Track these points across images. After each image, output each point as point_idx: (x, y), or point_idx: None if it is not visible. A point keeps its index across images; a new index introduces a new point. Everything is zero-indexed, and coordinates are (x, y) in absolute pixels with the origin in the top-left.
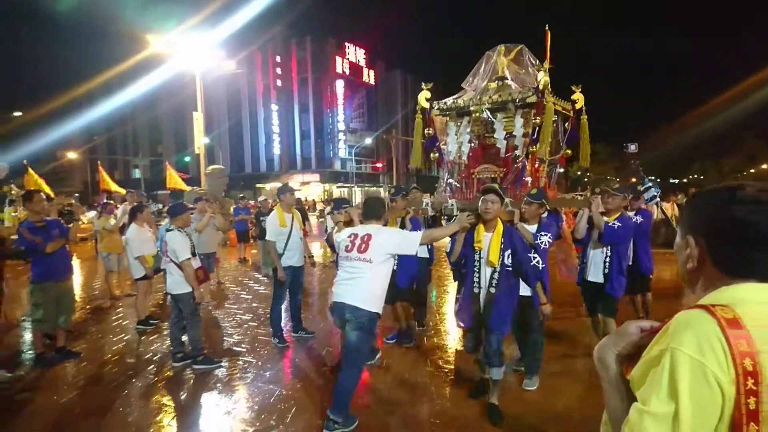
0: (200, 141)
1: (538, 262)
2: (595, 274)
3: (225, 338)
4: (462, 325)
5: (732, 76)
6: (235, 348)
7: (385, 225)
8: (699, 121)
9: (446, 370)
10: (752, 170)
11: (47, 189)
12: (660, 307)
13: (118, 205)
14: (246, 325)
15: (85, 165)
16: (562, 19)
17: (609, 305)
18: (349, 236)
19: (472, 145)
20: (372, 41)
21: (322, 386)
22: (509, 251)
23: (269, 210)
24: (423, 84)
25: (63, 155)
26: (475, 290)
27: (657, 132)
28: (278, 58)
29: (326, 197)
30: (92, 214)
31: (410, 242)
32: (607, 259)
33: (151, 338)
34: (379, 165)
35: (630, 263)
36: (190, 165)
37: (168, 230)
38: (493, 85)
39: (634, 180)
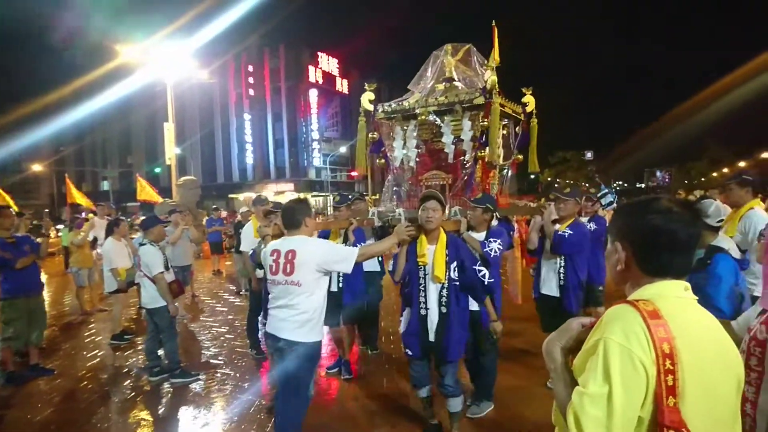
0: (171, 151)
1: (483, 275)
2: (549, 287)
3: (202, 351)
4: (409, 352)
5: (696, 85)
6: (212, 361)
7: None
8: (667, 127)
9: (399, 406)
10: (714, 174)
11: (12, 203)
12: None
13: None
14: (222, 338)
15: (52, 177)
16: (541, 24)
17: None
18: (272, 254)
19: (420, 150)
20: (346, 51)
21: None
22: (455, 264)
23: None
24: (366, 85)
25: (29, 167)
26: (422, 312)
27: (627, 140)
28: (251, 67)
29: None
30: (60, 227)
31: (343, 257)
32: (561, 271)
33: (126, 353)
34: (354, 173)
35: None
36: (162, 176)
37: (141, 244)
38: (441, 86)
39: (586, 185)
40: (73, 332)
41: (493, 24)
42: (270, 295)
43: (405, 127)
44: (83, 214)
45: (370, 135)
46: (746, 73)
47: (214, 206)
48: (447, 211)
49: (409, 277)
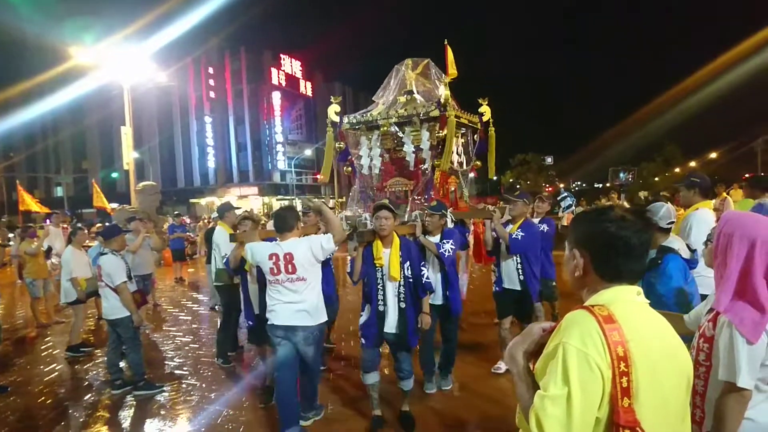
0: (129, 156)
1: (425, 276)
2: (511, 282)
3: (166, 362)
4: (364, 342)
5: (653, 88)
6: (177, 371)
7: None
8: (624, 130)
9: (351, 397)
10: (667, 174)
11: None
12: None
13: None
14: (187, 348)
15: (1, 183)
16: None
17: (528, 312)
18: (270, 257)
19: (383, 158)
20: (309, 53)
21: (270, 405)
22: (408, 264)
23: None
24: (332, 98)
25: None
26: (380, 308)
27: (586, 141)
28: (211, 69)
29: (266, 210)
30: (11, 236)
31: (326, 241)
32: (519, 267)
33: (85, 366)
34: (319, 176)
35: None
36: (119, 181)
37: (102, 254)
38: (402, 98)
39: (547, 186)
40: (27, 346)
41: (446, 42)
42: (273, 294)
43: (369, 137)
44: (47, 221)
45: (336, 144)
46: (701, 77)
47: (176, 212)
48: (407, 216)
49: (367, 278)
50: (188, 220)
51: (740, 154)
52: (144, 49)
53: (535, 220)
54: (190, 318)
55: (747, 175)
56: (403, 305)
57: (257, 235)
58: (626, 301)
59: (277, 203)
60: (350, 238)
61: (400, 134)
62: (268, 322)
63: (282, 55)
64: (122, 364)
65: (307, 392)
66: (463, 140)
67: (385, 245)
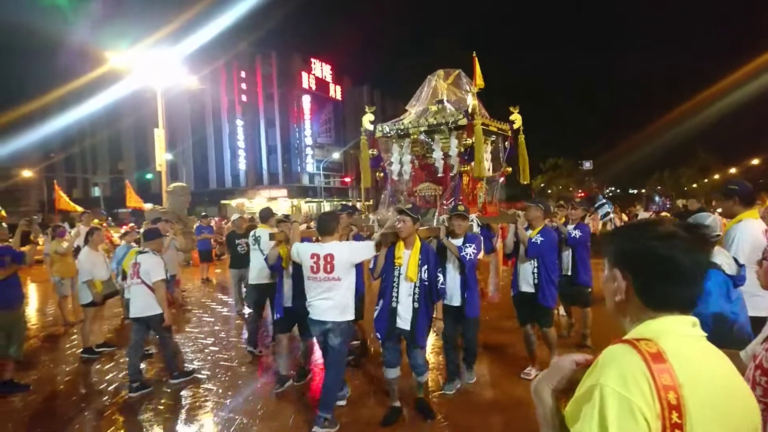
0: (162, 158)
1: (440, 281)
2: (526, 285)
3: (185, 364)
4: (379, 336)
5: (685, 93)
6: (195, 375)
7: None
8: (658, 133)
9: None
10: (705, 180)
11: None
12: (599, 319)
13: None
14: (207, 350)
15: (42, 183)
16: (526, 37)
17: (545, 316)
18: (311, 257)
19: (414, 164)
20: (338, 57)
21: (284, 415)
22: (426, 267)
23: (246, 230)
24: (366, 107)
25: (18, 173)
26: (393, 305)
27: (619, 145)
28: (243, 74)
29: (294, 212)
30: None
31: (365, 247)
32: (535, 271)
33: (106, 367)
34: (347, 179)
35: (569, 274)
36: (153, 182)
37: (142, 252)
38: (433, 108)
39: (580, 191)
40: (53, 344)
41: (474, 55)
42: (311, 290)
43: (400, 144)
44: (62, 224)
45: (370, 152)
46: (736, 80)
47: (203, 213)
48: (435, 220)
49: (385, 275)
50: (216, 221)
51: None
52: (177, 53)
53: (570, 227)
54: (213, 320)
55: None
56: (417, 305)
57: (298, 236)
58: (678, 334)
59: (305, 205)
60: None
61: (430, 141)
62: (309, 316)
63: (312, 59)
64: (142, 365)
65: (327, 386)
66: (492, 147)
67: (407, 246)
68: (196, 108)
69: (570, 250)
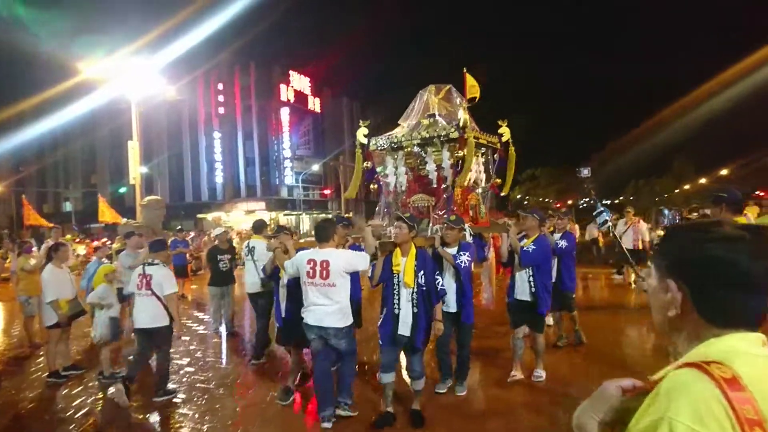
0: (136, 171)
1: (439, 284)
2: (523, 293)
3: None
4: (381, 342)
5: (661, 103)
6: (170, 397)
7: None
8: (633, 144)
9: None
10: (677, 190)
11: None
12: (587, 320)
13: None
14: (182, 371)
15: (11, 198)
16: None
17: (539, 323)
18: (308, 262)
19: (408, 176)
20: (317, 69)
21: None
22: (422, 272)
23: (229, 246)
24: (361, 121)
25: None
26: (395, 311)
27: (596, 155)
28: (221, 85)
29: (274, 225)
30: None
31: (361, 259)
32: (531, 279)
33: (74, 391)
34: (327, 191)
35: (554, 282)
36: (127, 196)
37: (151, 264)
38: (426, 121)
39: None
40: (18, 368)
41: (464, 70)
42: (308, 296)
43: (394, 157)
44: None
45: (364, 164)
46: (711, 91)
47: (179, 227)
48: (429, 230)
49: (385, 282)
50: (192, 235)
51: (753, 169)
52: (153, 63)
53: (557, 236)
54: (188, 338)
55: (759, 192)
56: (416, 310)
57: (293, 246)
58: (750, 355)
59: (284, 218)
60: (375, 258)
61: (423, 154)
62: (303, 321)
63: (291, 72)
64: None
65: (344, 379)
66: (483, 159)
67: (403, 254)
68: (173, 120)
69: (556, 258)
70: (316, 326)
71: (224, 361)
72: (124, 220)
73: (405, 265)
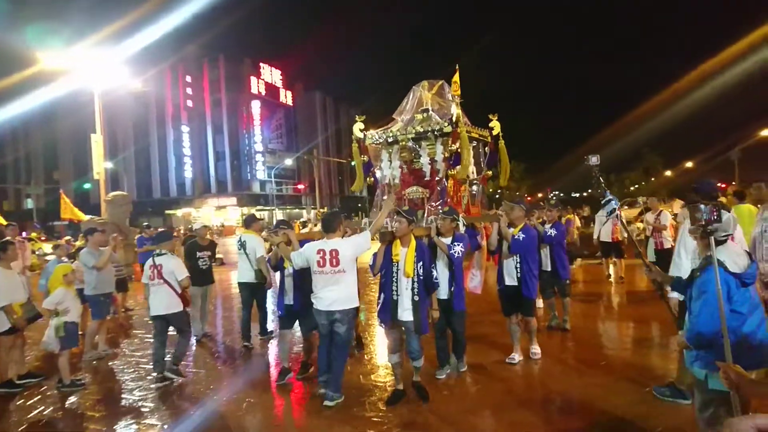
0: (100, 165)
1: (434, 275)
2: (510, 279)
3: (124, 395)
4: (383, 325)
5: (632, 102)
6: (136, 406)
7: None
8: (604, 138)
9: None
10: (644, 183)
11: None
12: (577, 310)
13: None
14: (150, 377)
15: None
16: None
17: (528, 307)
18: (318, 252)
19: (402, 169)
20: (289, 62)
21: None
22: (421, 263)
23: (209, 243)
24: (357, 117)
25: None
26: (394, 297)
27: (564, 149)
28: (189, 78)
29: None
30: None
31: (363, 241)
32: (518, 265)
33: (29, 402)
34: (301, 186)
35: (549, 270)
36: (92, 192)
37: (160, 254)
38: (419, 116)
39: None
40: None
41: (456, 67)
42: (318, 283)
43: (389, 151)
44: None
45: (362, 157)
46: (681, 87)
47: (146, 223)
48: (424, 221)
49: (384, 270)
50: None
51: (718, 163)
52: (117, 54)
53: (547, 226)
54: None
55: (721, 185)
56: (417, 298)
57: (295, 239)
58: None
59: (257, 214)
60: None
61: (417, 148)
62: (314, 307)
63: (262, 64)
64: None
65: (335, 369)
66: (473, 152)
67: (403, 245)
68: (139, 113)
69: (548, 247)
70: (326, 311)
71: (195, 366)
72: (88, 217)
73: (405, 255)
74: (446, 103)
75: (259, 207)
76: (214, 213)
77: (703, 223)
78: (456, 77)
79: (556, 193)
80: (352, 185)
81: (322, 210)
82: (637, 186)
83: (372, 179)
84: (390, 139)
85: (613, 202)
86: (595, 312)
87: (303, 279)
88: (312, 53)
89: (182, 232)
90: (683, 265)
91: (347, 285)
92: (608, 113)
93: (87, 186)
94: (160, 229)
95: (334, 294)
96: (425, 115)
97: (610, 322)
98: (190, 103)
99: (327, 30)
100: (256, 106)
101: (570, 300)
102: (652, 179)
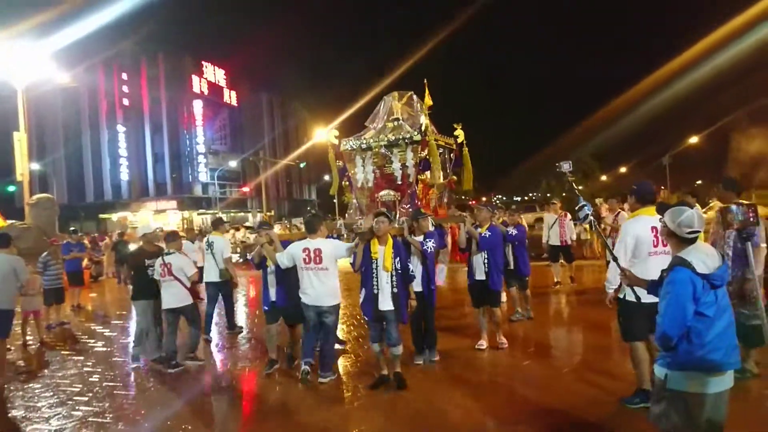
0: (24, 166)
1: (410, 269)
2: (480, 274)
3: (36, 424)
4: (365, 317)
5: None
6: None
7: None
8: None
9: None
10: (581, 187)
11: None
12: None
13: None
14: (71, 402)
15: None
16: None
17: (494, 298)
18: (303, 250)
19: (375, 174)
20: (234, 61)
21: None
22: (398, 258)
23: (157, 249)
24: (332, 128)
25: None
26: (375, 291)
27: (507, 154)
28: (125, 75)
29: (186, 226)
30: None
31: (343, 250)
32: (485, 261)
33: None
34: (246, 189)
35: (512, 267)
36: (16, 195)
37: (168, 253)
38: (391, 124)
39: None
40: None
41: (425, 81)
42: (305, 279)
43: (363, 157)
44: None
45: (337, 163)
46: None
47: (72, 228)
48: (396, 222)
49: (365, 267)
50: (93, 238)
51: (652, 168)
52: (43, 46)
53: (510, 228)
54: (82, 359)
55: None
56: (395, 290)
57: (277, 240)
58: None
59: (198, 218)
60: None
61: (389, 154)
62: (302, 301)
63: (204, 63)
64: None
65: (325, 353)
66: (440, 159)
67: (381, 243)
68: (70, 112)
69: (510, 246)
70: (313, 305)
71: (126, 385)
72: (9, 221)
73: (384, 252)
74: (415, 114)
75: (201, 210)
76: (153, 217)
77: (738, 226)
78: (427, 90)
79: (499, 197)
80: (300, 187)
81: (268, 213)
82: (580, 188)
83: (347, 183)
84: (364, 146)
85: (586, 207)
86: (551, 308)
87: (285, 276)
88: (258, 52)
89: (116, 236)
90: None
91: (330, 281)
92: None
93: (11, 188)
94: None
95: (319, 290)
96: (396, 123)
97: (565, 316)
98: (126, 101)
99: (274, 29)
100: (198, 106)
101: (529, 293)
102: (584, 185)
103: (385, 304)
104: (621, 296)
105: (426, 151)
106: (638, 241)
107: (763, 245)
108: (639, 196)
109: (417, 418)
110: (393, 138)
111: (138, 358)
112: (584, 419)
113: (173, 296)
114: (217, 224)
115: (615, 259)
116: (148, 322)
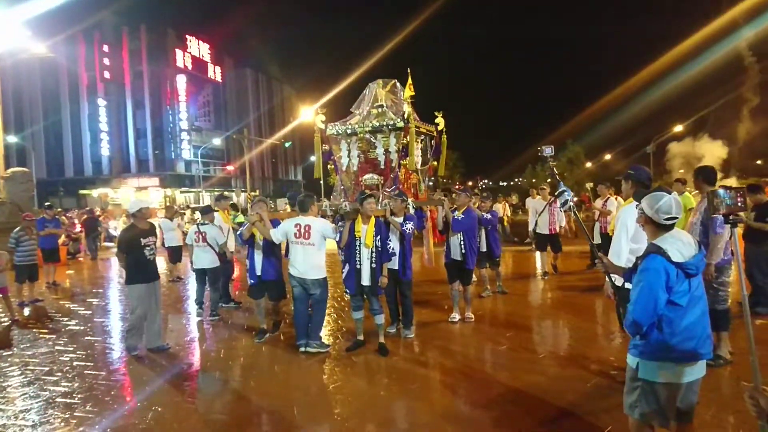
0: None
1: (392, 249)
2: (455, 254)
3: (1, 406)
4: (348, 291)
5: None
6: (19, 424)
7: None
8: (536, 130)
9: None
10: (566, 173)
11: None
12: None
13: None
14: (36, 384)
15: None
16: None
17: (467, 277)
18: (295, 226)
19: (360, 158)
20: (219, 36)
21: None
22: (379, 236)
23: (151, 226)
24: (318, 109)
25: None
26: (357, 266)
27: (500, 140)
28: (106, 47)
29: (168, 203)
30: None
31: (332, 231)
32: (461, 243)
33: None
34: (230, 167)
35: (485, 250)
36: None
37: (203, 224)
38: (375, 111)
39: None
40: None
41: (408, 70)
42: (294, 252)
43: (348, 142)
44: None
45: (323, 147)
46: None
47: (47, 203)
48: (379, 204)
49: (349, 243)
50: (71, 215)
51: (637, 157)
52: (18, 12)
53: (484, 213)
54: (54, 338)
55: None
56: (374, 266)
57: (267, 218)
58: None
59: (181, 195)
60: (337, 220)
61: (373, 140)
62: (290, 273)
63: (188, 36)
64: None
65: (315, 322)
66: (422, 145)
67: (364, 222)
68: (49, 85)
69: (484, 230)
70: (299, 277)
71: (97, 365)
72: None
73: (366, 231)
74: (398, 101)
75: (184, 189)
76: (134, 194)
77: (725, 211)
78: (409, 80)
79: (486, 181)
80: (286, 167)
81: (253, 193)
82: (564, 174)
83: (333, 166)
84: (349, 131)
85: (566, 193)
86: (521, 287)
87: (271, 251)
88: (244, 28)
89: (99, 213)
90: (623, 251)
91: (315, 256)
92: (539, 108)
93: None
94: (123, 204)
95: (307, 263)
96: (380, 110)
97: (532, 295)
98: (107, 74)
99: (261, 3)
100: (181, 81)
101: (501, 270)
102: (575, 170)
103: (366, 278)
104: (620, 284)
105: (407, 138)
106: (638, 227)
107: (721, 231)
108: (637, 182)
109: (393, 377)
110: (377, 124)
111: (135, 347)
112: (549, 384)
113: (206, 259)
114: (206, 212)
115: (592, 246)
116: (147, 307)
